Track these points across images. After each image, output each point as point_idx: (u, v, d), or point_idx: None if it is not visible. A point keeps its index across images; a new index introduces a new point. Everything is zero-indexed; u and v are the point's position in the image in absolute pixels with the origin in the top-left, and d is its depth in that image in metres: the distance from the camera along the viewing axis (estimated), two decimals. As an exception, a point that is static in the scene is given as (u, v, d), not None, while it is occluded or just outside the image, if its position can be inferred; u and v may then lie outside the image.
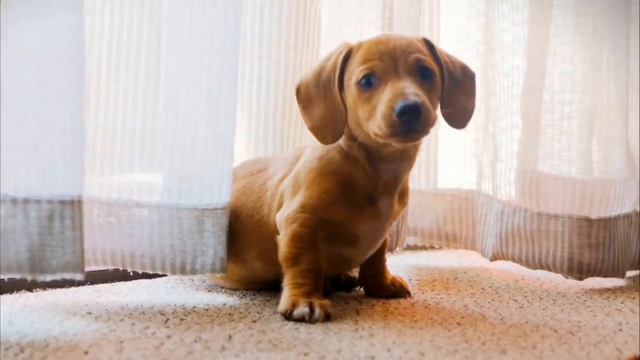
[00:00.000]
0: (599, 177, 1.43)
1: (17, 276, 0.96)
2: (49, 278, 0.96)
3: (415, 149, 1.10)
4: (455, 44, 1.58)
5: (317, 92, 1.07)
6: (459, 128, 1.12)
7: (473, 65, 1.51)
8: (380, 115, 0.98)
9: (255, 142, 1.34)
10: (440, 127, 1.59)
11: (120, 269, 1.13)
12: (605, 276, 1.37)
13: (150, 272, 1.13)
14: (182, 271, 1.12)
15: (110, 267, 1.13)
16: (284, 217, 1.08)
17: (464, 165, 1.60)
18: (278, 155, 1.26)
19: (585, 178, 1.41)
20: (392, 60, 1.01)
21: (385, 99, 0.98)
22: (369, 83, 1.01)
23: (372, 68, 1.01)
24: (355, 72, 1.03)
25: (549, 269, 1.38)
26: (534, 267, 1.40)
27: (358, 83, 1.02)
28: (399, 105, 0.96)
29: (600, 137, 1.44)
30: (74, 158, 0.97)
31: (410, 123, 0.96)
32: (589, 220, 1.36)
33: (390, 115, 0.96)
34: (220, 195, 1.13)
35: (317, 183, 1.08)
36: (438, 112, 1.06)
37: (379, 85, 1.01)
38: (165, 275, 1.27)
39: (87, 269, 1.22)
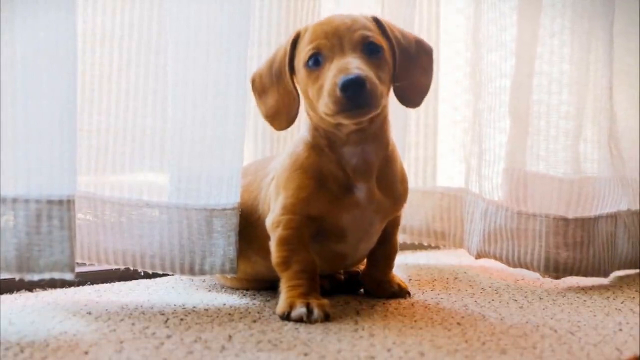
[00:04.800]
0: (579, 177, 1.41)
1: (5, 275, 0.96)
2: (36, 277, 0.96)
3: (381, 128, 1.09)
4: (453, 43, 1.58)
5: (270, 82, 1.09)
6: (412, 106, 1.12)
7: (469, 65, 1.53)
8: (326, 93, 0.99)
9: (245, 141, 1.34)
10: (439, 126, 1.61)
11: (127, 268, 1.13)
12: (584, 275, 1.36)
13: (160, 272, 1.13)
14: (191, 272, 1.12)
15: (122, 267, 1.14)
16: (270, 222, 1.09)
17: (456, 163, 1.59)
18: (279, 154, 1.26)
19: (567, 178, 1.40)
20: (337, 39, 1.02)
21: (330, 75, 0.99)
22: (316, 63, 1.03)
23: (318, 47, 1.02)
24: (302, 53, 1.04)
25: (527, 268, 1.38)
26: (514, 266, 1.39)
27: (306, 64, 1.03)
28: (341, 80, 0.96)
29: (584, 137, 1.44)
30: (64, 158, 0.97)
31: (354, 98, 0.96)
32: (565, 220, 1.35)
33: (335, 90, 0.97)
34: (229, 195, 1.12)
35: (290, 181, 1.08)
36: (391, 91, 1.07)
37: (326, 64, 1.02)
38: (166, 275, 1.26)
39: (89, 269, 1.24)
